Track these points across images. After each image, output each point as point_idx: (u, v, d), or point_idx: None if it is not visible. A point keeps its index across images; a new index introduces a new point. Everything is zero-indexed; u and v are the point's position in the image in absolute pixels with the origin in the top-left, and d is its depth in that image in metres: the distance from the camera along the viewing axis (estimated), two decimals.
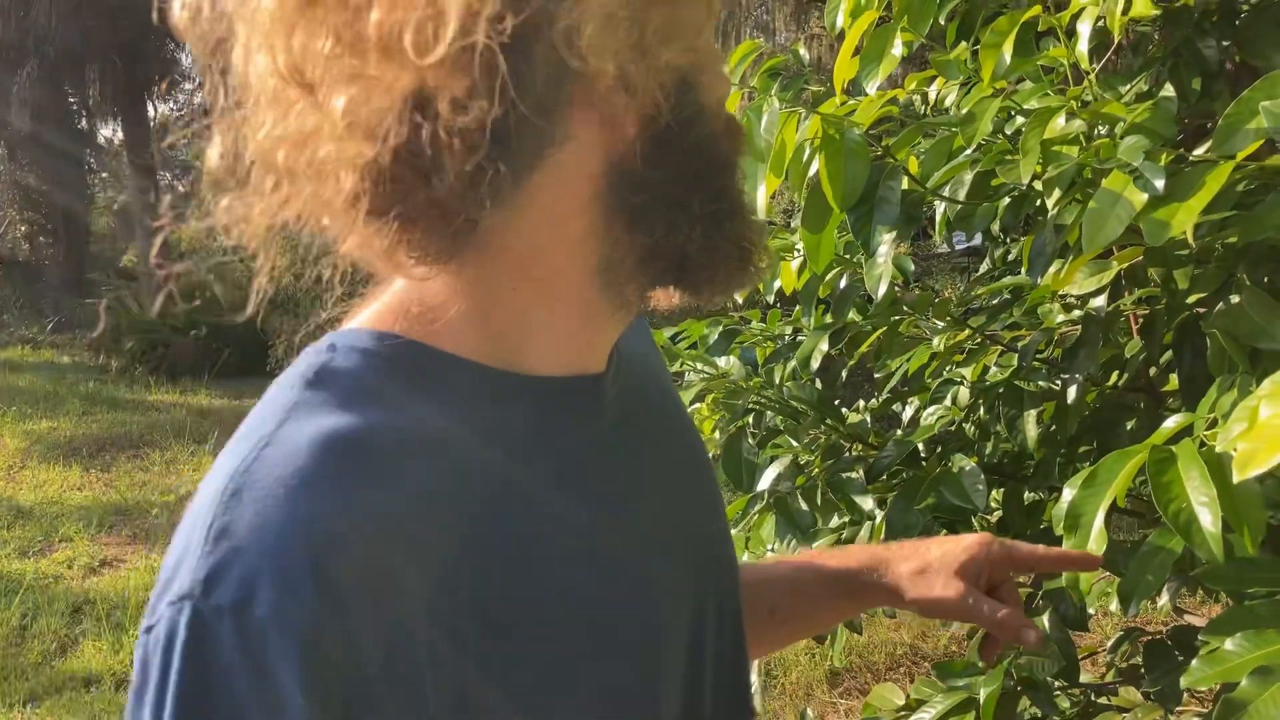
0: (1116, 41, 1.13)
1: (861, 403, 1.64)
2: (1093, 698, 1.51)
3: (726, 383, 1.46)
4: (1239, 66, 1.21)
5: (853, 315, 1.43)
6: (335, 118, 0.49)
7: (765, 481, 1.38)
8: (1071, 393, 1.25)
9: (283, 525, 0.45)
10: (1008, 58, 1.11)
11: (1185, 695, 1.39)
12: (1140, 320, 1.31)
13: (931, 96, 1.40)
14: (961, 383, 1.46)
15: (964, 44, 1.32)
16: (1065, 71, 1.15)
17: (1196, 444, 0.82)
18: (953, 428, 1.44)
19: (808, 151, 1.11)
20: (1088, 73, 1.09)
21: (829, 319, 1.43)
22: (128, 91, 14.29)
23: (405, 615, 0.47)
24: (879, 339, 1.45)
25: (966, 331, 1.44)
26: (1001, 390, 1.36)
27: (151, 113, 15.84)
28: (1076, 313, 1.30)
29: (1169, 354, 1.27)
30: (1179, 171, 0.89)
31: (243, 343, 10.60)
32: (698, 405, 1.44)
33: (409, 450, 0.50)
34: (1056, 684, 1.35)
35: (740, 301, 1.81)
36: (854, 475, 1.33)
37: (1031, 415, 1.31)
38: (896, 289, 1.37)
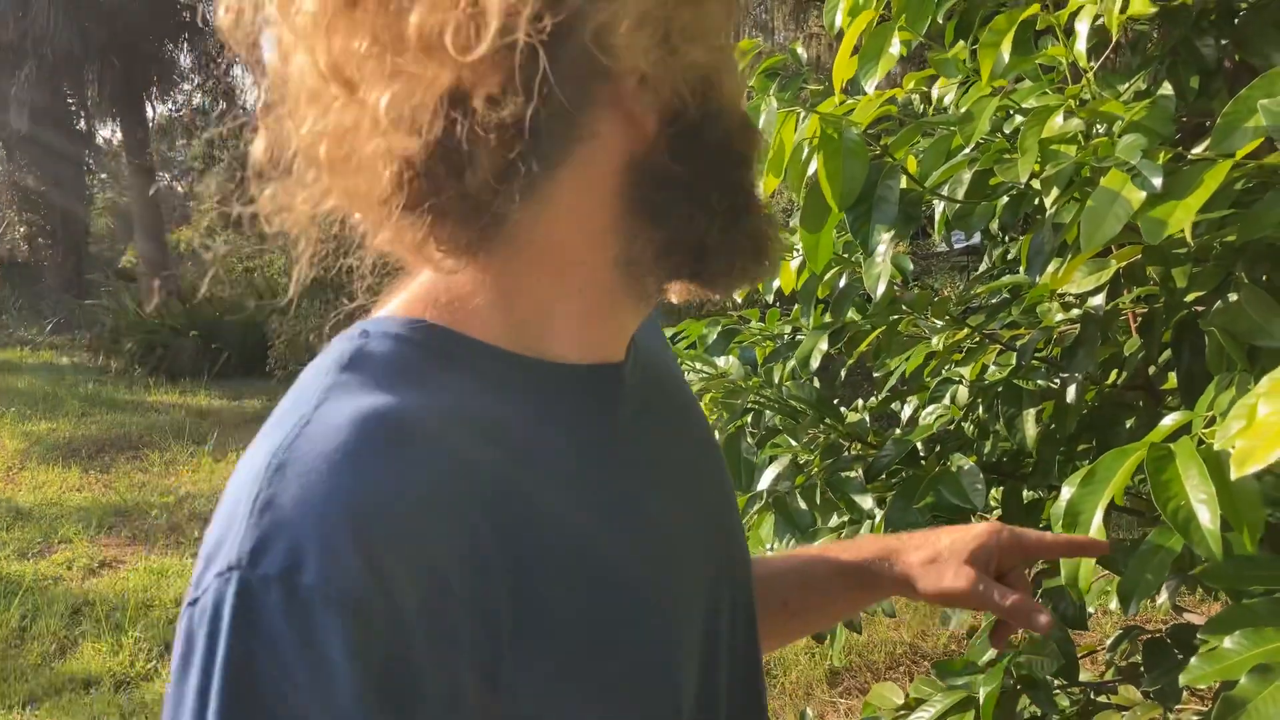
0: (1115, 40, 1.13)
1: (860, 402, 1.64)
2: (1092, 696, 1.52)
3: (725, 382, 1.46)
4: (1237, 65, 1.21)
5: (852, 314, 1.43)
6: (378, 113, 0.51)
7: (764, 481, 1.38)
8: (1070, 391, 1.25)
9: (327, 497, 0.46)
10: (1006, 56, 1.11)
11: (1184, 693, 1.39)
12: (1139, 318, 1.31)
13: (934, 96, 1.40)
14: (960, 382, 1.47)
15: (962, 43, 1.32)
16: (1064, 70, 1.15)
17: (1195, 442, 0.82)
18: (952, 427, 1.44)
19: (806, 151, 1.11)
20: (1086, 71, 1.09)
21: (828, 318, 1.43)
22: (126, 92, 14.28)
23: (442, 588, 0.48)
24: (878, 338, 1.45)
25: (965, 330, 1.44)
26: (1000, 389, 1.36)
27: (150, 113, 15.85)
28: (1075, 311, 1.30)
29: (1168, 352, 1.27)
30: (1177, 170, 0.89)
31: (242, 344, 10.60)
32: None
33: (443, 428, 0.52)
34: (1056, 682, 1.35)
35: (739, 301, 1.81)
36: (853, 474, 1.33)
37: (1030, 414, 1.31)
38: (896, 288, 1.37)
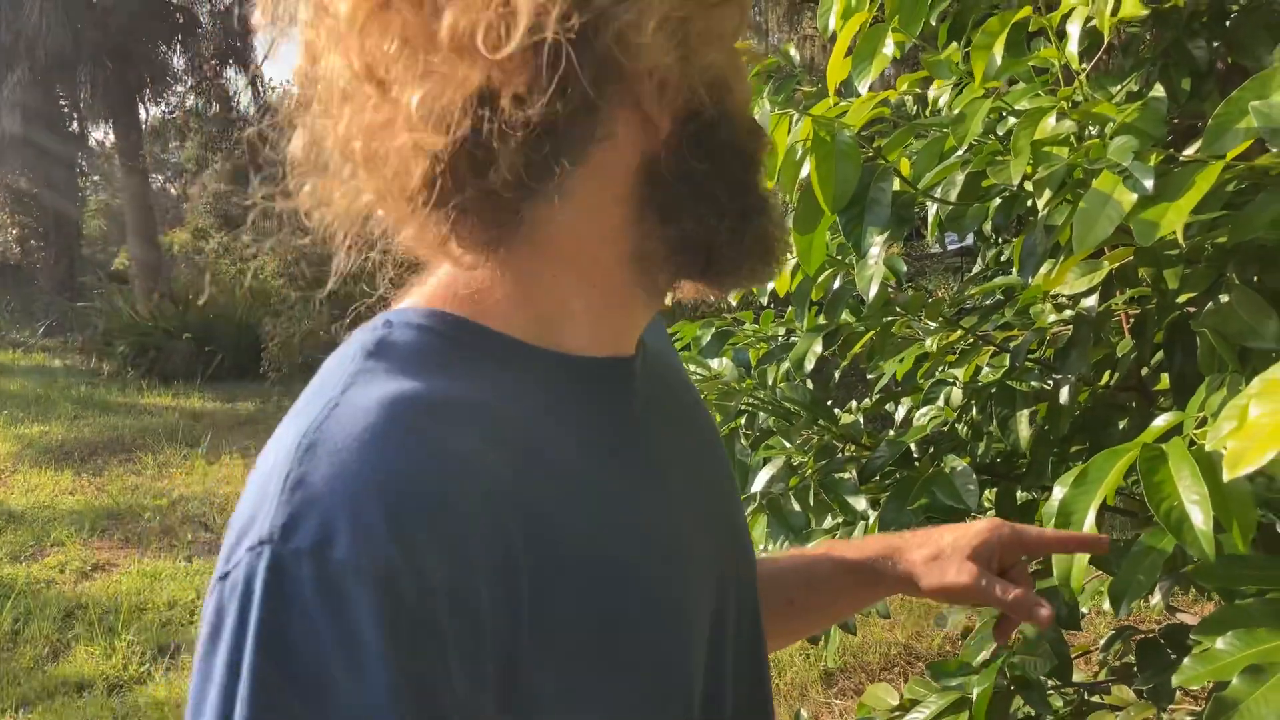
0: (1107, 42, 1.13)
1: (854, 403, 1.64)
2: (1085, 696, 1.52)
3: (719, 384, 1.46)
4: (1229, 67, 1.21)
5: (845, 316, 1.43)
6: (410, 111, 0.53)
7: (758, 483, 1.38)
8: (1064, 392, 1.25)
9: (358, 475, 0.47)
10: (998, 58, 1.11)
11: (1178, 694, 1.39)
12: (1131, 320, 1.32)
13: (930, 97, 1.40)
14: (954, 383, 1.47)
15: (955, 45, 1.32)
16: (1056, 72, 1.16)
17: (1187, 442, 0.82)
18: (945, 428, 1.44)
19: (799, 153, 1.12)
20: (1078, 73, 1.09)
21: (821, 320, 1.44)
22: (119, 94, 14.24)
23: (467, 566, 0.49)
24: (871, 340, 1.45)
25: (959, 332, 1.44)
26: (994, 390, 1.36)
27: (143, 115, 15.81)
28: (1068, 313, 1.31)
29: (1160, 353, 1.27)
30: (1168, 172, 0.89)
31: (235, 346, 10.58)
32: None
33: (466, 412, 0.53)
34: (1049, 683, 1.36)
35: (734, 303, 1.81)
36: (847, 476, 1.33)
37: (1024, 415, 1.31)
38: (889, 290, 1.37)
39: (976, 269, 1.76)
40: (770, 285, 1.46)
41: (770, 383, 1.54)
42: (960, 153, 1.17)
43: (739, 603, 0.69)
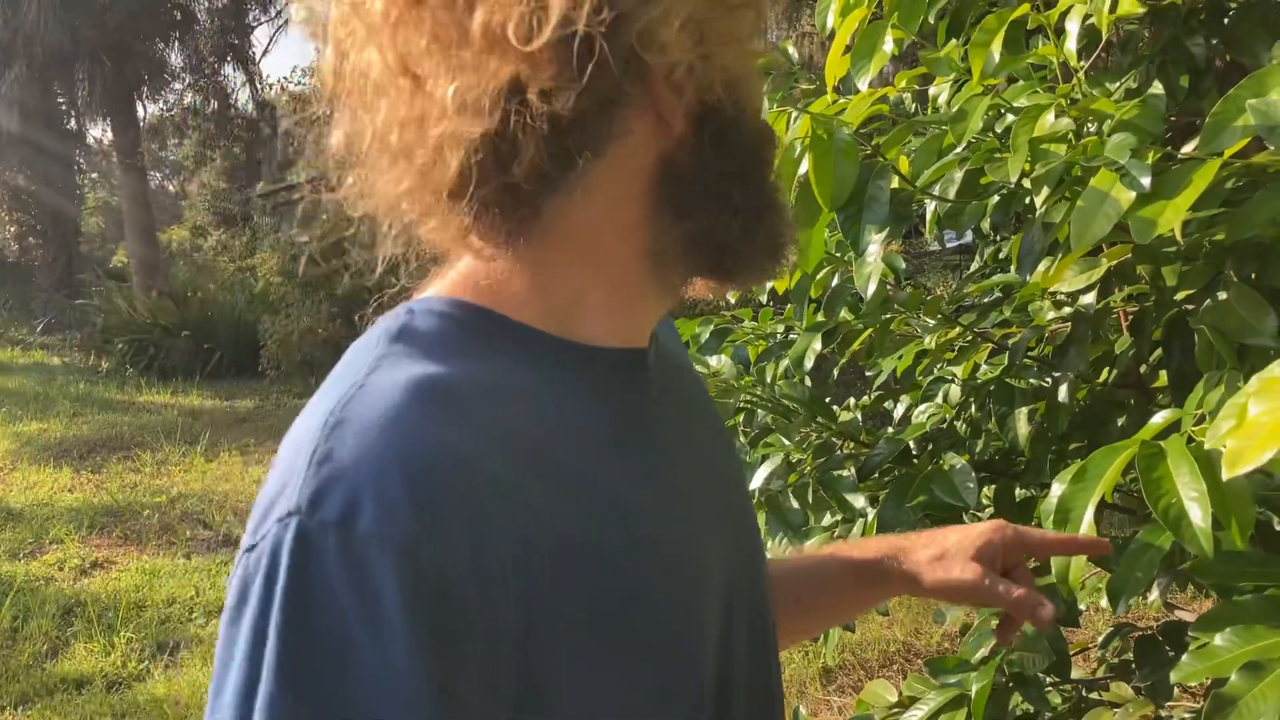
0: (1105, 39, 1.13)
1: (853, 400, 1.64)
2: (1084, 693, 1.52)
3: (718, 381, 1.46)
4: (1228, 64, 1.21)
5: (844, 314, 1.43)
6: (445, 103, 0.55)
7: (757, 480, 1.38)
8: (1062, 390, 1.25)
9: (383, 452, 0.49)
10: (997, 55, 1.11)
11: (1176, 690, 1.39)
12: (1130, 317, 1.32)
13: (931, 95, 1.40)
14: (952, 380, 1.47)
15: (954, 42, 1.32)
16: (1055, 69, 1.15)
17: (1185, 439, 0.82)
18: (944, 425, 1.44)
19: (797, 150, 1.11)
20: (1076, 70, 1.09)
21: (820, 318, 1.44)
22: (117, 91, 14.22)
23: (486, 540, 0.50)
24: (870, 337, 1.45)
25: (957, 329, 1.44)
26: (992, 387, 1.36)
27: (141, 112, 15.78)
28: (1066, 310, 1.31)
29: (1159, 350, 1.27)
30: (1166, 169, 0.89)
31: (234, 344, 10.57)
32: None
33: (487, 395, 0.55)
34: (1047, 679, 1.36)
35: (732, 300, 1.81)
36: (845, 473, 1.33)
37: (1023, 412, 1.31)
38: (888, 287, 1.37)
39: (975, 266, 1.75)
40: (769, 283, 1.46)
41: (769, 380, 1.54)
42: (958, 150, 1.17)
43: (749, 597, 0.70)
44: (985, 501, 1.40)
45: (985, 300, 1.51)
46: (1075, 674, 1.49)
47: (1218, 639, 0.79)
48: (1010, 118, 1.15)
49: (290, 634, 0.46)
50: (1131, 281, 1.23)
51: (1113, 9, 1.01)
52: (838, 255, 1.37)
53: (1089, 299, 1.24)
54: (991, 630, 1.27)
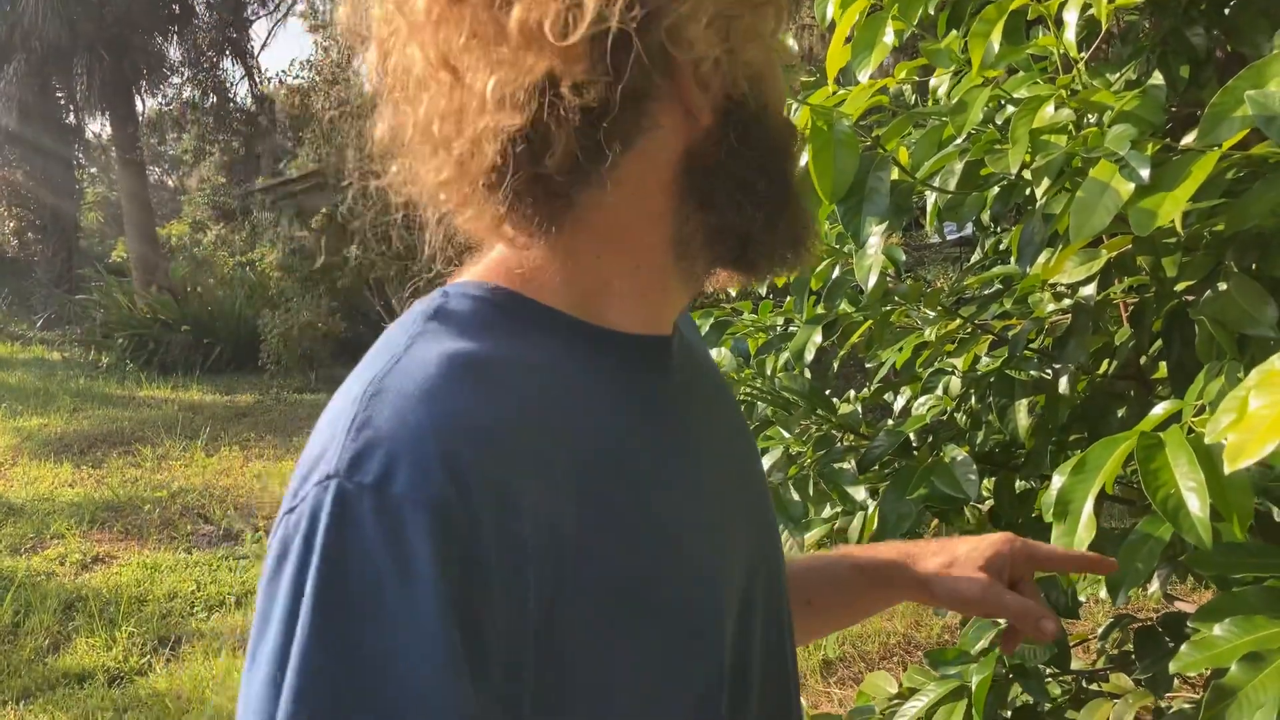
0: (1105, 30, 1.13)
1: (853, 393, 1.64)
2: (1083, 684, 1.52)
3: None
4: (1228, 55, 1.21)
5: (844, 306, 1.43)
6: (484, 96, 0.57)
7: None
8: (1062, 382, 1.25)
9: (419, 420, 0.52)
10: (996, 46, 1.11)
11: (1175, 681, 1.40)
12: (1130, 308, 1.32)
13: (932, 86, 1.40)
14: (953, 372, 1.47)
15: (955, 33, 1.32)
16: (1055, 60, 1.15)
17: (1184, 430, 0.82)
18: (944, 417, 1.44)
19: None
20: (1076, 61, 1.09)
21: (820, 310, 1.44)
22: (115, 86, 14.19)
23: (514, 507, 0.52)
24: (870, 329, 1.45)
25: (957, 321, 1.44)
26: (993, 380, 1.36)
27: (140, 107, 15.76)
28: (1066, 301, 1.30)
29: (1159, 342, 1.27)
30: (1166, 160, 0.89)
31: (234, 338, 10.57)
32: None
33: (519, 373, 0.58)
34: (1047, 671, 1.36)
35: (732, 293, 1.81)
36: (846, 465, 1.33)
37: (1023, 404, 1.31)
38: (888, 279, 1.37)
39: (975, 258, 1.75)
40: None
41: (769, 372, 1.54)
42: (959, 141, 1.17)
43: (767, 588, 0.71)
44: (985, 493, 1.40)
45: (985, 292, 1.51)
46: (1075, 665, 1.50)
47: (1217, 629, 0.79)
48: (1010, 109, 1.15)
49: (326, 591, 0.48)
50: (1131, 273, 1.23)
51: None
52: (838, 247, 1.37)
53: (1089, 290, 1.24)
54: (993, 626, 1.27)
